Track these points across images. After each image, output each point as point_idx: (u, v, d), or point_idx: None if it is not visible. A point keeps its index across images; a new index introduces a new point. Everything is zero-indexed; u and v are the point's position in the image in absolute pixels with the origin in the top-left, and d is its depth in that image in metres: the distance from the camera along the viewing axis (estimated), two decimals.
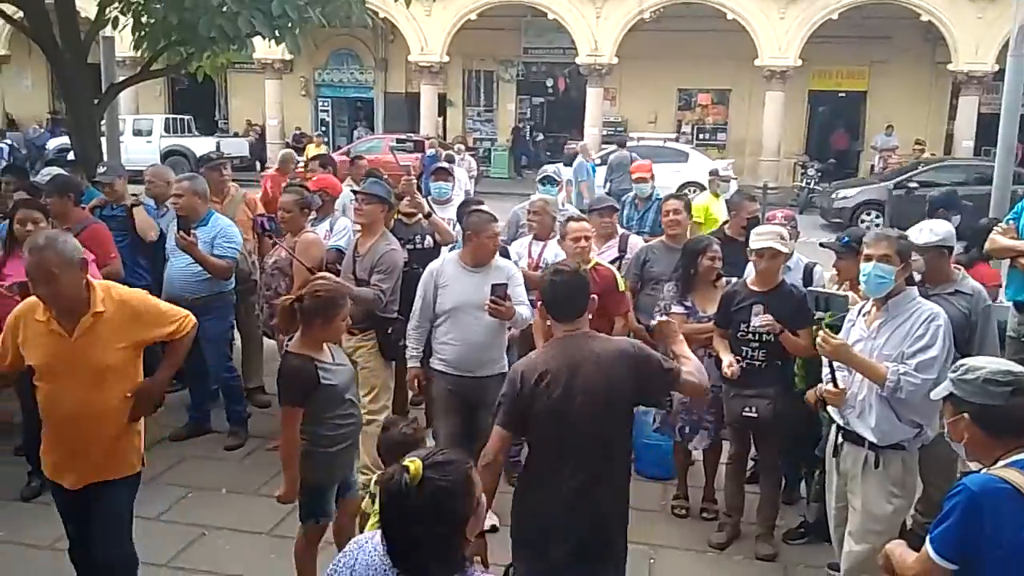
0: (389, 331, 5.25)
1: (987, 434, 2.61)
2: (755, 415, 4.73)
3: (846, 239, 4.74)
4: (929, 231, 4.39)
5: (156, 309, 3.71)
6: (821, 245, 5.59)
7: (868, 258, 3.80)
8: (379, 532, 2.03)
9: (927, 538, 2.60)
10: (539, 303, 5.06)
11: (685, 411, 5.20)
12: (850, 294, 4.48)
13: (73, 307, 3.42)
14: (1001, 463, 2.56)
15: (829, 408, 4.07)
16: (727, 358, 4.71)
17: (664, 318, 3.81)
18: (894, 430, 3.77)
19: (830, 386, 3.93)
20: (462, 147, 20.32)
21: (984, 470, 2.60)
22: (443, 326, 4.93)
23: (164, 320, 3.70)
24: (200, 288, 5.93)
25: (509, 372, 3.37)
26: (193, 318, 3.80)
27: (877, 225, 15.67)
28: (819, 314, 4.11)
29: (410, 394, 6.37)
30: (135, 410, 3.62)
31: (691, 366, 3.34)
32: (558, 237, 5.65)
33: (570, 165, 14.41)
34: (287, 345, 4.08)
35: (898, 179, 17.59)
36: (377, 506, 3.29)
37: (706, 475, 5.38)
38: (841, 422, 3.96)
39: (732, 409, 4.85)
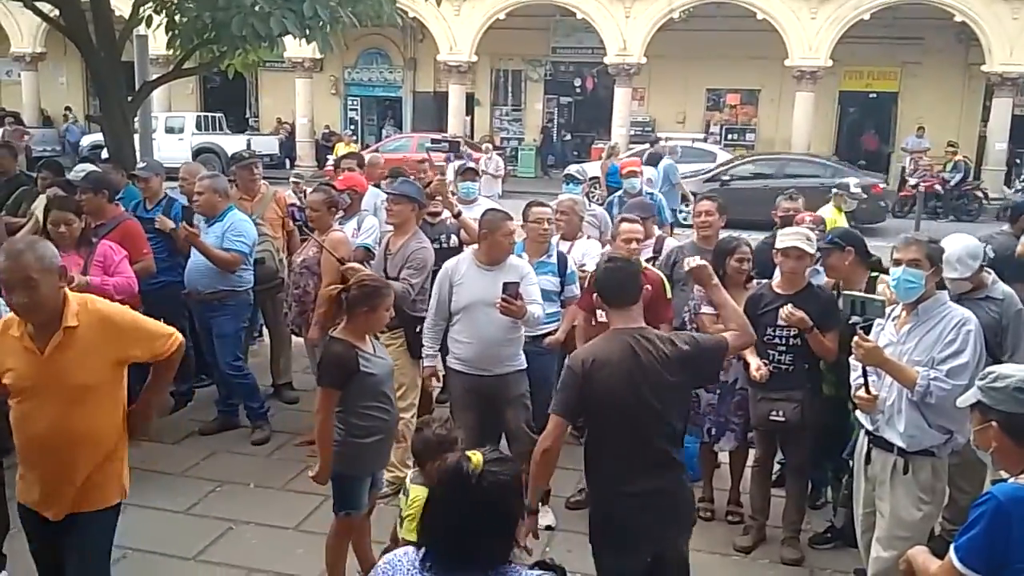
0: (418, 330, 5.28)
1: (1015, 443, 2.56)
2: (782, 419, 4.69)
3: (830, 236, 4.78)
4: (968, 256, 4.38)
5: (140, 325, 3.42)
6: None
7: (897, 263, 3.79)
8: (410, 547, 2.07)
9: (951, 546, 2.57)
10: (585, 302, 5.16)
11: (712, 412, 5.18)
12: (885, 297, 4.36)
13: (48, 319, 3.18)
14: None
15: (858, 413, 4.04)
16: (755, 361, 4.68)
17: (700, 262, 3.71)
18: (924, 436, 3.74)
19: (862, 392, 3.91)
20: (489, 146, 20.36)
21: (1012, 479, 2.55)
22: (458, 324, 4.95)
23: (148, 337, 3.40)
24: (215, 283, 6.03)
25: (568, 361, 3.46)
26: (180, 337, 3.49)
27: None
28: (855, 318, 4.03)
29: (435, 392, 6.43)
30: (130, 430, 3.42)
31: (732, 319, 3.55)
32: (608, 236, 5.69)
33: (655, 164, 14.35)
34: (329, 334, 4.12)
35: (712, 173, 18.45)
36: (412, 503, 3.38)
37: (732, 477, 5.36)
38: (870, 427, 3.93)
39: (759, 412, 4.81)
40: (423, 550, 2.01)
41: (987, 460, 2.75)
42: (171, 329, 3.51)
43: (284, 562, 4.61)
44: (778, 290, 4.76)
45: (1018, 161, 20.98)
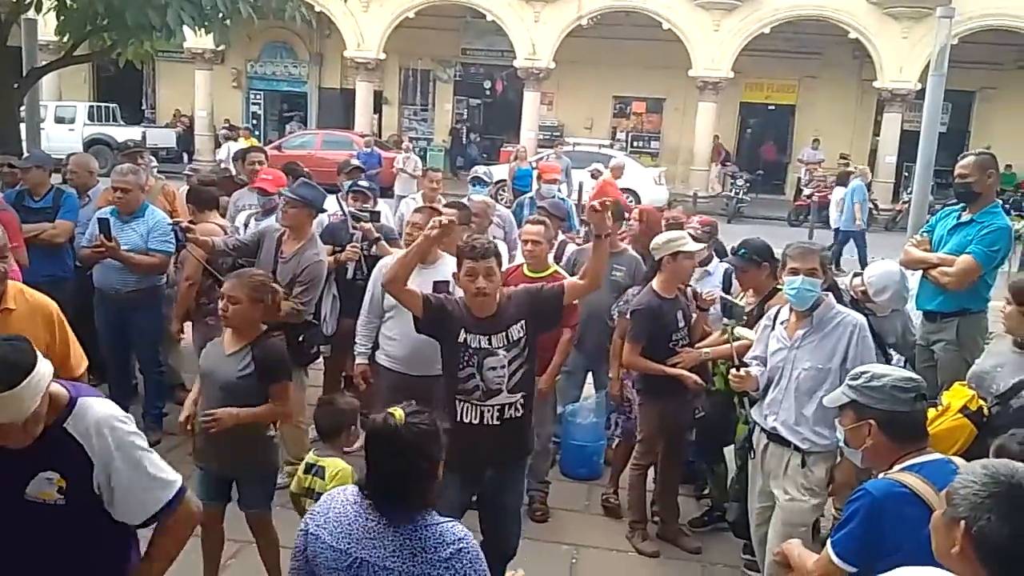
0: (300, 338, 5.14)
1: (890, 440, 2.66)
2: (704, 413, 4.90)
3: (743, 251, 4.84)
4: (904, 288, 4.80)
5: (66, 329, 3.58)
6: (720, 258, 5.76)
7: (795, 271, 3.86)
8: (350, 486, 2.45)
9: (829, 540, 2.65)
10: None
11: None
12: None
13: None
14: (897, 467, 2.62)
15: (754, 411, 4.14)
16: (680, 372, 4.70)
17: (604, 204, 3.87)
18: (822, 439, 3.83)
19: (733, 371, 4.07)
20: (409, 145, 20.15)
21: (881, 475, 2.66)
22: (389, 321, 4.92)
23: (67, 343, 3.56)
24: (131, 282, 5.75)
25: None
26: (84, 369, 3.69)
27: None
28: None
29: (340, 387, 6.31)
30: None
31: (592, 270, 3.86)
32: (513, 237, 5.71)
33: (844, 184, 14.60)
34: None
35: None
36: (336, 475, 3.75)
37: (617, 469, 5.45)
38: (767, 427, 4.00)
39: (683, 418, 4.90)
40: (360, 490, 2.36)
41: (856, 459, 2.86)
42: (84, 358, 3.68)
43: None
44: (665, 294, 4.83)
45: (906, 174, 21.93)
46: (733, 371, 4.07)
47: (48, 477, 2.36)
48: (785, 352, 3.94)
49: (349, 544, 2.29)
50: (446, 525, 2.31)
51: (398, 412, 2.32)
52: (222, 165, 10.72)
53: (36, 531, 2.39)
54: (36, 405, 2.25)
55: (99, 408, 2.46)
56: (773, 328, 4.07)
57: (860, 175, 15.65)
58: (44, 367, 2.30)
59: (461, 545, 2.27)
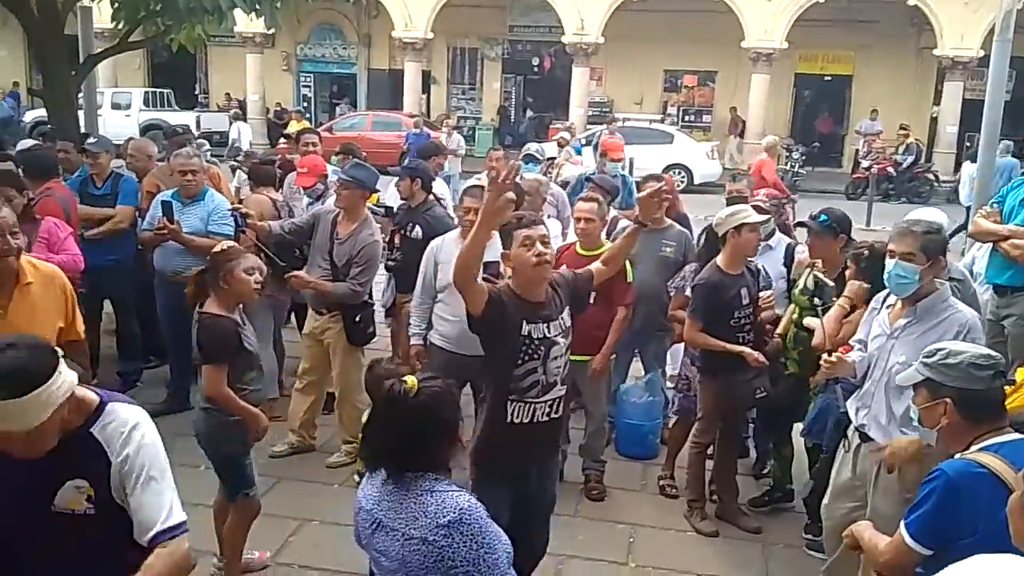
0: (357, 319, 5.20)
1: (966, 419, 2.58)
2: (765, 394, 4.75)
3: (824, 218, 4.65)
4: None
5: (74, 296, 3.61)
6: (798, 224, 5.60)
7: (891, 254, 3.51)
8: None
9: (902, 522, 2.57)
10: None
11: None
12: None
13: (3, 278, 3.30)
14: (975, 448, 2.53)
15: (849, 403, 3.83)
16: (741, 349, 4.58)
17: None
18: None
19: (825, 355, 3.77)
20: (452, 122, 20.22)
21: (958, 455, 2.56)
22: (441, 302, 4.94)
23: (76, 310, 3.60)
24: (191, 265, 5.74)
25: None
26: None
27: None
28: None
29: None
30: None
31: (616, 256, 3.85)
32: (566, 215, 5.66)
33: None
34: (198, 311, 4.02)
35: None
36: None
37: (673, 450, 5.35)
38: (857, 423, 3.73)
39: (743, 395, 4.76)
40: (373, 465, 2.39)
41: (930, 437, 2.75)
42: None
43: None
44: (729, 270, 4.66)
45: (968, 145, 21.34)
46: (826, 356, 3.75)
47: (77, 485, 2.24)
48: (883, 340, 3.60)
49: (373, 506, 2.36)
50: (450, 493, 2.28)
51: (411, 380, 2.30)
52: (236, 145, 10.77)
53: (66, 544, 2.26)
54: (44, 419, 2.08)
55: (128, 413, 2.32)
56: (879, 312, 3.74)
57: (1005, 149, 15.08)
58: (65, 379, 2.14)
59: (461, 515, 2.22)
